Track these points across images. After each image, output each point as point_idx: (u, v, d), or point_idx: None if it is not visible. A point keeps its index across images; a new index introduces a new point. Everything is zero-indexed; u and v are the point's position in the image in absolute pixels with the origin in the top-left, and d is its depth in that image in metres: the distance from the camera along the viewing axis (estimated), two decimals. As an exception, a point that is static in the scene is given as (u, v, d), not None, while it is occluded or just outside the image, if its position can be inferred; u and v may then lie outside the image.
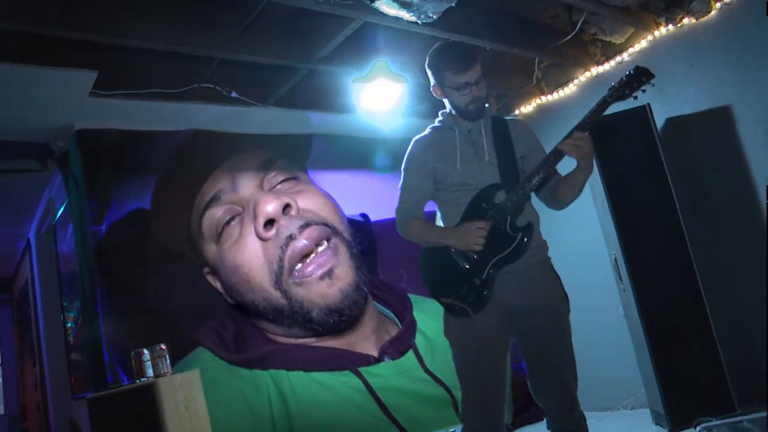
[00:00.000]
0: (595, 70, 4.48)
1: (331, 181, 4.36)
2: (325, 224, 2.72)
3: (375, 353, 2.70)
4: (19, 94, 3.15)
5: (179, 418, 2.85)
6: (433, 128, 2.40)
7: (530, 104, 5.00)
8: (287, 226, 2.64)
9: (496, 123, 2.36)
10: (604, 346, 4.45)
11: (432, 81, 2.34)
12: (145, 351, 2.95)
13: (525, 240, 2.18)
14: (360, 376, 2.58)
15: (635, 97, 2.29)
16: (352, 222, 2.83)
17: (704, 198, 3.89)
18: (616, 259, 3.80)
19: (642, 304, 3.59)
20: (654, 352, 3.54)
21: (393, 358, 2.73)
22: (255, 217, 2.62)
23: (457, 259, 2.20)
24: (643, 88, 2.26)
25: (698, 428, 2.71)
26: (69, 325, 4.21)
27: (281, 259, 2.62)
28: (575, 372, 2.24)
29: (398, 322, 3.00)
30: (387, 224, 2.94)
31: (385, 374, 2.63)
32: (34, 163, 3.93)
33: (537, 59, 4.57)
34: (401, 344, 2.80)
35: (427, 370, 2.78)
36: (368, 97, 3.82)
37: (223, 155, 2.66)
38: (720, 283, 3.73)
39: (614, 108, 3.88)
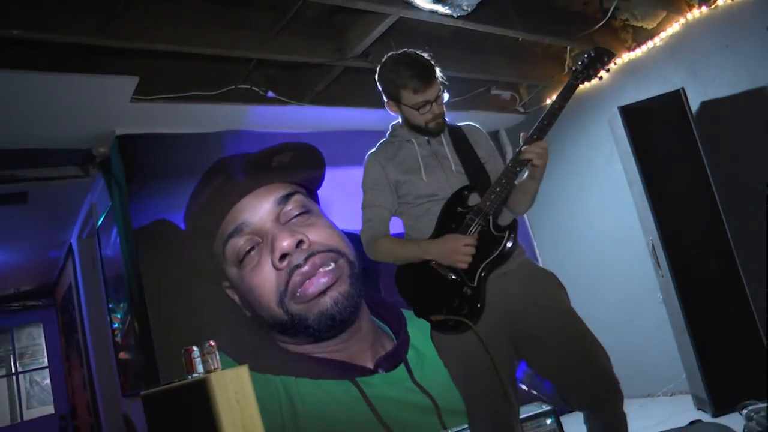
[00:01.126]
0: (626, 56, 4.45)
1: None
2: (331, 250, 3.01)
3: (371, 365, 3.05)
4: (62, 102, 3.24)
5: (231, 412, 2.92)
6: (387, 142, 2.26)
7: (561, 93, 4.97)
8: (297, 257, 2.97)
9: (453, 131, 2.25)
10: (643, 332, 4.45)
11: (384, 95, 2.18)
12: (195, 348, 3.03)
13: (513, 237, 2.05)
14: (357, 385, 2.94)
15: (600, 78, 2.23)
16: (353, 237, 3.02)
17: (742, 181, 3.85)
18: (653, 245, 3.78)
19: (681, 290, 3.58)
20: (694, 338, 3.53)
21: (386, 370, 3.07)
22: (272, 251, 2.93)
23: (441, 271, 2.03)
24: (606, 67, 2.18)
25: (745, 411, 2.69)
26: (116, 326, 4.32)
27: (287, 284, 2.96)
28: (606, 354, 2.05)
29: (394, 337, 3.31)
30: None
31: (378, 384, 3.00)
32: (77, 169, 4.04)
33: (568, 48, 4.56)
34: (395, 358, 3.12)
35: (415, 382, 3.13)
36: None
37: (246, 185, 2.96)
38: (759, 266, 3.69)
39: (648, 93, 3.92)
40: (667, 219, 3.65)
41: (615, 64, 2.24)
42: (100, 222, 4.40)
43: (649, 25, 4.27)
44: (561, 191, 4.92)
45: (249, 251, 2.95)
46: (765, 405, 2.68)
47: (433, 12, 3.09)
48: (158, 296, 3.44)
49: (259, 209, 2.89)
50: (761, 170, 3.77)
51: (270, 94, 3.80)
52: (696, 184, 3.62)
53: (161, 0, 2.98)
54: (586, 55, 2.21)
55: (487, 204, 2.03)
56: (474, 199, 2.10)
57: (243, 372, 3.11)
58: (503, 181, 2.04)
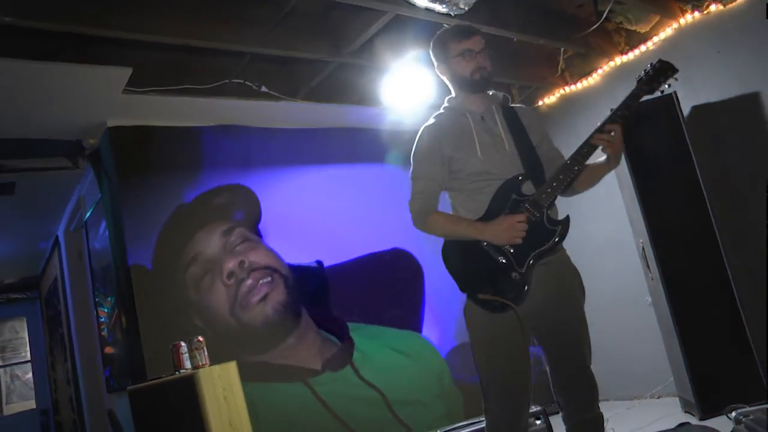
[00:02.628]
0: (619, 60, 4.48)
1: (360, 173, 4.46)
2: (267, 267, 3.50)
3: (319, 367, 3.53)
4: (52, 91, 3.19)
5: (219, 407, 2.90)
6: (442, 115, 2.31)
7: (554, 95, 5.00)
8: (240, 274, 3.47)
9: (507, 111, 2.30)
10: (632, 334, 4.47)
11: (436, 62, 2.31)
12: (183, 343, 3.01)
13: (564, 234, 2.13)
14: (308, 385, 3.42)
15: (662, 92, 2.26)
16: (307, 269, 3.63)
17: (732, 185, 3.89)
18: (643, 248, 3.80)
19: (671, 292, 3.60)
20: (683, 340, 3.54)
21: (334, 370, 3.54)
22: (221, 272, 3.43)
23: (491, 253, 2.11)
24: (668, 82, 2.22)
25: (733, 414, 2.70)
26: (102, 320, 4.27)
27: (235, 296, 3.41)
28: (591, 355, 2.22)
29: (339, 343, 3.79)
30: (341, 267, 3.81)
31: (328, 382, 3.47)
32: (66, 161, 3.98)
33: (562, 49, 4.57)
34: (341, 359, 3.59)
35: (362, 378, 3.56)
36: (397, 89, 3.85)
37: (200, 222, 3.47)
38: (749, 270, 3.73)
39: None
40: (658, 221, 3.67)
41: (676, 79, 2.25)
42: (88, 215, 4.35)
43: (643, 29, 4.30)
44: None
45: (204, 276, 3.43)
46: (753, 408, 2.69)
47: (430, 10, 3.09)
48: (146, 291, 3.42)
49: (210, 242, 3.42)
50: (751, 174, 3.81)
51: (263, 89, 3.77)
52: (686, 188, 3.64)
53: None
54: (651, 66, 2.22)
55: (543, 197, 2.11)
56: (527, 187, 2.16)
57: (231, 368, 3.09)
58: (560, 176, 2.11)
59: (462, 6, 3.06)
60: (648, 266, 3.82)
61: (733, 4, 3.80)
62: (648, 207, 3.69)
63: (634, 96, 2.19)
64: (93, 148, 3.80)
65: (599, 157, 2.23)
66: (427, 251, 4.29)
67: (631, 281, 4.30)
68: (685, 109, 3.94)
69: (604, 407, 2.25)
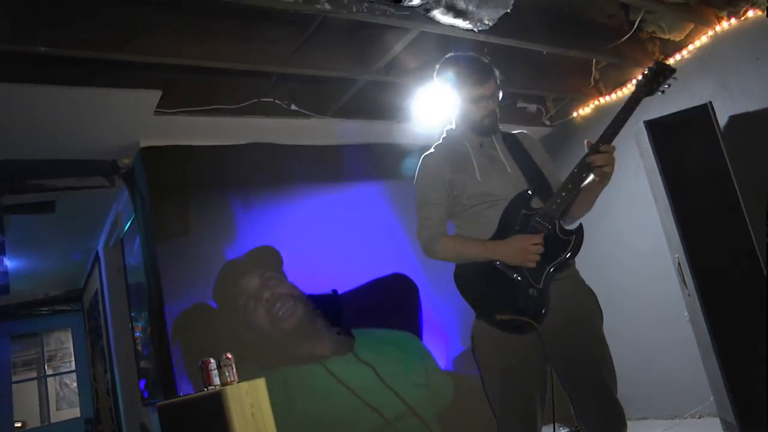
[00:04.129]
0: (654, 69, 4.38)
1: (386, 188, 4.51)
2: (291, 295, 4.13)
3: (330, 353, 4.23)
4: (89, 115, 3.31)
5: (246, 424, 2.94)
6: (441, 144, 2.33)
7: (588, 106, 4.93)
8: (273, 300, 4.09)
9: (506, 137, 2.32)
10: (670, 352, 4.34)
11: (444, 89, 2.28)
12: (212, 360, 3.06)
13: (579, 243, 2.10)
14: (323, 364, 4.14)
15: (662, 92, 2.25)
16: (325, 296, 4.30)
17: (773, 198, 3.75)
18: (679, 263, 3.70)
19: (708, 310, 3.48)
20: (722, 359, 3.42)
21: (341, 355, 4.24)
22: (261, 299, 4.01)
23: (506, 271, 2.07)
24: (668, 82, 2.22)
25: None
26: (138, 334, 4.37)
27: (271, 314, 4.00)
28: (616, 381, 2.13)
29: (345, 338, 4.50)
30: (353, 293, 4.43)
31: (336, 362, 4.19)
32: (102, 179, 4.12)
33: (594, 60, 4.50)
34: (345, 347, 4.31)
35: (359, 358, 4.30)
36: (426, 105, 3.85)
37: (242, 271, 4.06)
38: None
39: (675, 106, 3.84)
40: (694, 236, 3.55)
41: (675, 78, 2.26)
42: (125, 231, 4.47)
43: (677, 37, 4.20)
44: (586, 206, 4.85)
45: (247, 303, 4.06)
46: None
47: (454, 26, 3.08)
48: (177, 307, 3.49)
49: (251, 283, 4.03)
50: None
51: (293, 107, 3.82)
52: (723, 200, 3.52)
53: (185, 15, 3.02)
54: (647, 70, 2.25)
55: (553, 207, 2.08)
56: (535, 203, 2.15)
57: (259, 384, 3.13)
58: (569, 186, 2.09)
59: (486, 21, 3.04)
60: (684, 281, 3.71)
61: (772, 9, 3.69)
62: (683, 221, 3.57)
63: (634, 98, 2.21)
64: (127, 167, 3.91)
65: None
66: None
67: (668, 297, 4.18)
68: (722, 119, 3.83)
69: (642, 426, 2.19)
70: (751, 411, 3.32)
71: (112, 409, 5.48)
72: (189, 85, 3.51)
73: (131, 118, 3.42)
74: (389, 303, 4.65)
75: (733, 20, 3.90)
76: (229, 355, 3.09)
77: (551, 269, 2.06)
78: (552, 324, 2.04)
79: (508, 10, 3.06)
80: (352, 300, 4.42)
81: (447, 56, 2.30)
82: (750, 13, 3.81)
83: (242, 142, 4.02)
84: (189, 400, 2.95)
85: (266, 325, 4.10)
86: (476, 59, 2.27)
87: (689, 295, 3.69)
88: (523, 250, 2.03)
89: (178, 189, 3.73)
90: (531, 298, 2.04)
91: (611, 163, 2.11)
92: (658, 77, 2.22)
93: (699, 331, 3.71)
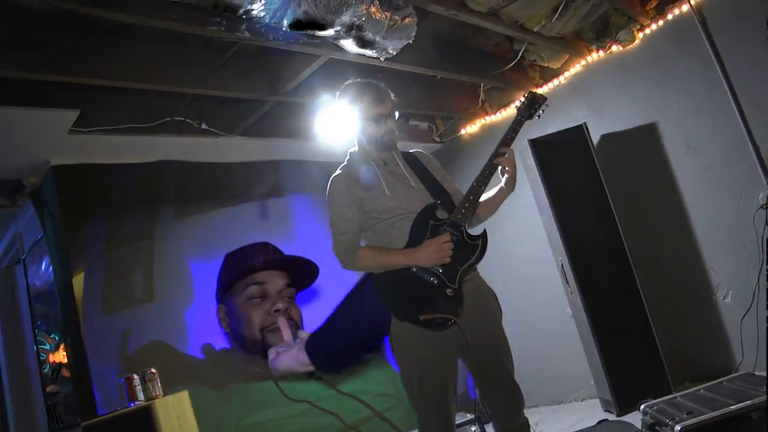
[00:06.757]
0: (534, 92, 4.87)
1: (296, 201, 4.68)
2: (291, 319, 4.36)
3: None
4: (-4, 134, 3.24)
5: (174, 436, 3.01)
6: (347, 166, 2.48)
7: (475, 124, 5.36)
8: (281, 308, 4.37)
9: (406, 155, 2.54)
10: (555, 345, 4.82)
11: (344, 111, 2.46)
12: (136, 376, 3.09)
13: (485, 245, 2.33)
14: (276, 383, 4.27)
15: (539, 116, 2.57)
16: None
17: (637, 204, 4.30)
18: (562, 264, 4.15)
19: (588, 304, 3.94)
20: (600, 346, 3.89)
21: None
22: (271, 303, 4.36)
23: (423, 276, 2.25)
24: (542, 108, 2.53)
25: (641, 407, 3.04)
26: (43, 357, 4.26)
27: (270, 323, 4.27)
28: (513, 365, 2.38)
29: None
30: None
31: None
32: (3, 199, 4.00)
33: (482, 84, 4.93)
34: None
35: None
36: (329, 124, 4.07)
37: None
38: (655, 280, 4.16)
39: (555, 127, 4.32)
40: (574, 240, 4.01)
41: (548, 105, 2.59)
42: (26, 252, 4.34)
43: (554, 65, 4.71)
44: (478, 215, 5.24)
45: (256, 296, 4.33)
46: (659, 401, 3.04)
47: (361, 54, 3.33)
48: (95, 324, 3.49)
49: (274, 282, 4.32)
50: (653, 193, 4.25)
51: (203, 126, 3.93)
52: (598, 208, 4.01)
53: (104, 38, 3.07)
54: (523, 98, 2.57)
55: (459, 216, 2.31)
56: (440, 213, 2.35)
57: (184, 397, 3.20)
58: (471, 197, 2.32)
59: (391, 51, 3.32)
60: (567, 281, 4.16)
61: (631, 45, 4.26)
62: (564, 227, 4.02)
63: (517, 121, 2.51)
64: (34, 186, 3.84)
65: (499, 180, 2.48)
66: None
67: (553, 296, 4.63)
68: (595, 138, 4.35)
69: (532, 412, 2.47)
70: (624, 388, 3.80)
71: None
72: (103, 105, 3.52)
73: (44, 138, 3.40)
74: (357, 332, 4.51)
75: (601, 53, 4.44)
76: (153, 370, 3.13)
77: (463, 270, 2.28)
78: (466, 319, 2.27)
79: (410, 41, 3.36)
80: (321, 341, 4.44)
81: (347, 82, 2.50)
82: (614, 48, 4.36)
83: (153, 160, 4.06)
84: (116, 417, 2.95)
85: (256, 328, 4.23)
86: (373, 83, 2.48)
87: (571, 293, 4.15)
88: (437, 249, 2.23)
89: (91, 207, 3.72)
90: (449, 298, 2.24)
91: (511, 163, 2.40)
92: (534, 104, 2.52)
93: (580, 324, 4.17)
